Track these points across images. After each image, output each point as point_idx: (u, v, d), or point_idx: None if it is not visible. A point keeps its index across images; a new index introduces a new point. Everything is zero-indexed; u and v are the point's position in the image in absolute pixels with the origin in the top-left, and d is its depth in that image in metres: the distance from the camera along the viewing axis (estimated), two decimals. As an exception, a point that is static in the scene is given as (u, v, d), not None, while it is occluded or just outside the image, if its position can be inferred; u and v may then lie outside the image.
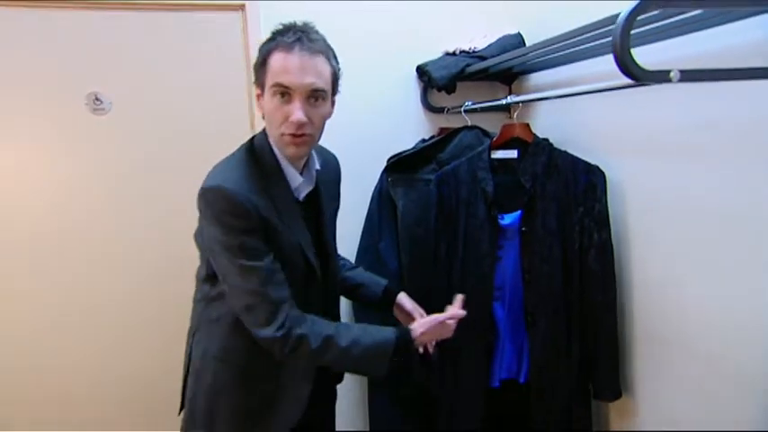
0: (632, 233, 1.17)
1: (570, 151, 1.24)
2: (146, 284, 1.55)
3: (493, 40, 1.48)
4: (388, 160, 1.48)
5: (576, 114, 1.35)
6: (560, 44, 1.05)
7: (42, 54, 1.40)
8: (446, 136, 1.49)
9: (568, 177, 1.18)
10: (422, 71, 1.55)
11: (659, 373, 1.12)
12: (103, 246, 1.52)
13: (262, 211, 0.93)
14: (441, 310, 1.07)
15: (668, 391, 1.10)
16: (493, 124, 1.51)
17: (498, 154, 1.27)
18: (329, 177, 1.13)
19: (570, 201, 1.18)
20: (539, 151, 1.22)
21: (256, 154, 1.01)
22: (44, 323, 1.51)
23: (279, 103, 0.93)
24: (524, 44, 1.50)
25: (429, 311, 1.16)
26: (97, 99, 1.45)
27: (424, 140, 1.58)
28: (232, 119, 1.55)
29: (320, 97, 0.95)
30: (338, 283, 1.17)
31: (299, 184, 1.01)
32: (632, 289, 1.19)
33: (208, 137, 1.49)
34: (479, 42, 1.48)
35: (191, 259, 1.06)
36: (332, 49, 0.99)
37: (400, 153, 1.48)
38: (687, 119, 1.01)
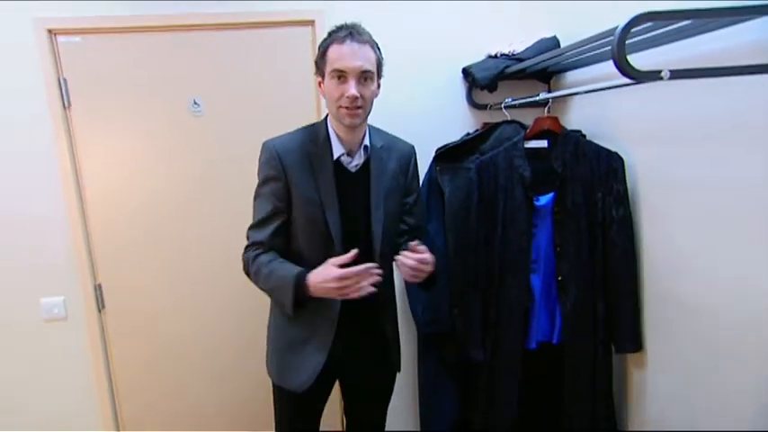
0: (646, 209, 1.34)
1: (595, 140, 1.40)
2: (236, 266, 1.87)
3: (530, 43, 1.65)
4: (437, 151, 1.69)
5: (601, 108, 1.51)
6: (585, 47, 1.22)
7: (156, 67, 1.73)
8: (488, 129, 1.69)
9: (593, 163, 1.35)
10: (467, 72, 1.75)
11: (670, 329, 1.28)
12: (200, 229, 1.84)
13: (288, 162, 1.21)
14: (483, 284, 1.27)
15: (678, 345, 1.25)
16: (531, 119, 1.69)
17: (531, 144, 1.46)
18: (391, 159, 1.32)
19: (594, 183, 1.35)
20: (567, 141, 1.40)
21: (313, 128, 1.29)
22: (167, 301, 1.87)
23: (337, 84, 1.18)
24: (559, 46, 1.67)
25: (473, 285, 1.37)
26: (196, 103, 1.77)
27: (468, 134, 1.78)
28: (302, 124, 1.83)
29: (369, 78, 1.19)
30: (386, 252, 1.30)
31: (342, 154, 1.24)
32: (648, 257, 1.35)
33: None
34: (518, 46, 1.66)
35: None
36: (376, 42, 1.23)
37: (447, 145, 1.69)
38: (692, 110, 1.16)
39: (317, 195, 1.22)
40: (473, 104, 1.83)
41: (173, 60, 1.74)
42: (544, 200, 1.42)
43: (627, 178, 1.34)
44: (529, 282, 1.44)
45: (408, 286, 1.78)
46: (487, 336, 1.49)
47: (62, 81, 1.68)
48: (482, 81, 1.65)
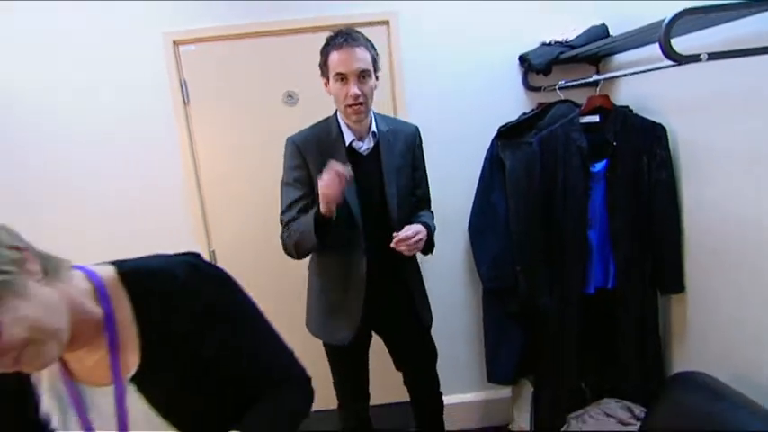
0: (686, 171, 1.56)
1: (641, 114, 1.63)
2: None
3: (581, 31, 1.88)
4: (499, 129, 1.95)
5: (646, 85, 1.73)
6: (634, 36, 1.45)
7: (256, 66, 2.05)
8: (543, 109, 1.92)
9: (639, 133, 1.59)
10: (523, 59, 1.99)
11: (707, 274, 1.51)
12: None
13: (308, 152, 1.47)
14: (546, 242, 1.53)
15: (714, 288, 1.48)
16: (582, 98, 1.91)
17: (585, 119, 1.70)
18: (398, 140, 1.55)
19: (641, 150, 1.58)
20: (616, 115, 1.64)
21: (327, 122, 1.53)
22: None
23: (340, 86, 1.39)
24: (608, 32, 1.88)
25: (536, 243, 1.64)
26: (289, 96, 2.09)
27: (524, 114, 2.02)
28: (380, 111, 2.10)
29: (367, 75, 1.39)
30: (403, 219, 1.51)
31: (353, 140, 1.48)
32: (688, 213, 1.58)
33: None
34: (570, 34, 1.89)
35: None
36: (370, 41, 1.43)
37: (507, 123, 1.94)
38: (724, 86, 1.37)
39: None
40: (528, 87, 2.07)
41: (269, 60, 2.06)
42: (599, 166, 1.67)
43: (669, 145, 1.57)
44: (586, 237, 1.69)
45: (474, 248, 2.06)
46: (552, 285, 1.75)
47: (183, 82, 2.03)
48: (538, 66, 1.90)
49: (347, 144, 1.48)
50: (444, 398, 2.25)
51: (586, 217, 1.68)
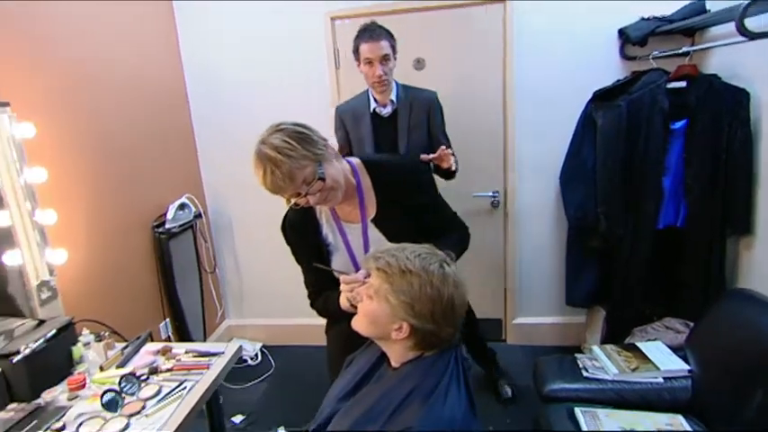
0: (766, 132, 1.84)
1: (729, 81, 1.92)
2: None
3: (678, 7, 2.16)
4: (594, 92, 2.30)
5: (734, 55, 2.00)
6: (721, 14, 1.75)
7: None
8: (636, 76, 2.24)
9: (722, 97, 1.89)
10: (622, 32, 2.31)
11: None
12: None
13: (345, 117, 2.10)
14: (624, 189, 1.93)
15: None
16: (674, 66, 2.17)
17: (672, 84, 2.02)
18: (416, 105, 2.05)
19: (723, 112, 1.89)
20: (702, 81, 1.94)
21: (364, 94, 2.10)
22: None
23: (368, 68, 1.95)
24: (705, 8, 2.14)
25: (617, 188, 2.04)
26: (418, 61, 2.58)
27: (618, 80, 2.34)
28: (492, 87, 2.53)
29: (387, 59, 1.93)
30: None
31: (375, 107, 2.04)
32: (764, 167, 1.86)
33: (472, 99, 2.55)
34: (667, 10, 2.18)
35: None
36: (389, 33, 1.96)
37: (603, 88, 2.29)
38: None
39: (362, 135, 2.05)
40: (624, 57, 2.38)
41: (402, 32, 2.54)
42: (678, 125, 2.00)
43: (751, 108, 1.86)
44: (661, 182, 2.05)
45: (563, 194, 2.46)
46: (628, 219, 2.14)
47: (336, 51, 2.60)
48: (635, 39, 2.21)
49: (371, 110, 2.07)
50: (528, 319, 2.76)
51: (662, 166, 2.03)
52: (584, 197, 2.36)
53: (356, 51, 2.00)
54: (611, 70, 2.41)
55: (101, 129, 2.08)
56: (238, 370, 2.76)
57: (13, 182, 1.60)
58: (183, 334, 2.54)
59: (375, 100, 2.08)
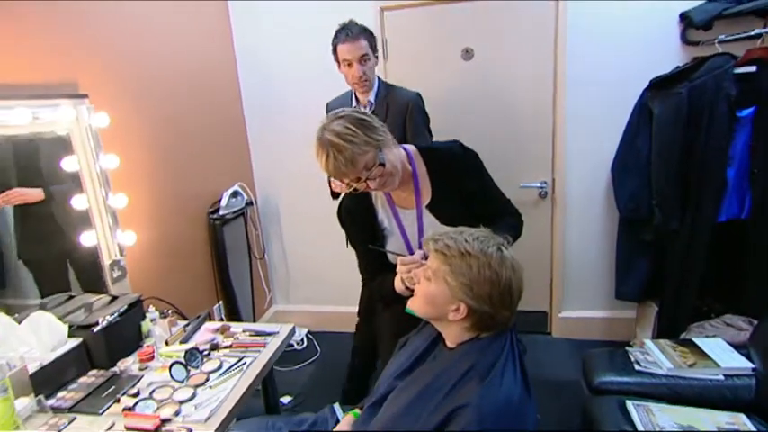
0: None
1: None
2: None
3: (747, -12, 2.04)
4: (651, 80, 2.22)
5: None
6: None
7: (438, 26, 2.55)
8: (699, 61, 2.14)
9: (795, 81, 1.78)
10: (684, 16, 2.21)
11: None
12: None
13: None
14: (681, 181, 1.84)
15: None
16: (742, 51, 2.01)
17: (740, 69, 1.91)
18: (393, 105, 1.96)
19: (794, 96, 1.78)
20: (774, 65, 1.84)
21: (348, 92, 2.07)
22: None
23: (347, 69, 1.89)
24: (777, -13, 2.01)
25: (672, 178, 1.96)
26: (466, 51, 2.57)
27: (678, 67, 2.24)
28: (542, 76, 2.49)
29: (366, 58, 1.86)
30: None
31: (356, 106, 1.97)
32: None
33: (521, 88, 2.51)
34: (735, -9, 2.06)
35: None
36: (367, 30, 1.88)
37: (660, 75, 2.20)
38: None
39: None
40: (686, 42, 2.28)
41: (451, 22, 2.54)
42: (746, 112, 1.90)
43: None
44: (725, 173, 1.96)
45: (615, 184, 2.39)
46: (685, 211, 2.06)
47: (384, 41, 2.62)
48: (699, 23, 2.11)
49: (355, 106, 2.02)
50: (575, 312, 2.71)
51: (727, 156, 1.94)
52: (637, 188, 2.29)
53: (334, 52, 1.94)
54: (669, 56, 2.31)
55: (164, 119, 2.21)
56: (285, 354, 2.83)
57: (90, 168, 1.73)
58: (234, 317, 2.66)
59: (357, 100, 2.07)
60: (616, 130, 2.37)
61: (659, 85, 2.21)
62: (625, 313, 2.62)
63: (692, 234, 2.07)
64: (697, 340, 1.75)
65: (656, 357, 1.69)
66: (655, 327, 2.37)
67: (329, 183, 2.01)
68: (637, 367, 1.67)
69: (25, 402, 1.25)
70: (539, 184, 2.62)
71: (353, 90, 2.05)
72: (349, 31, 1.87)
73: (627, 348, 1.79)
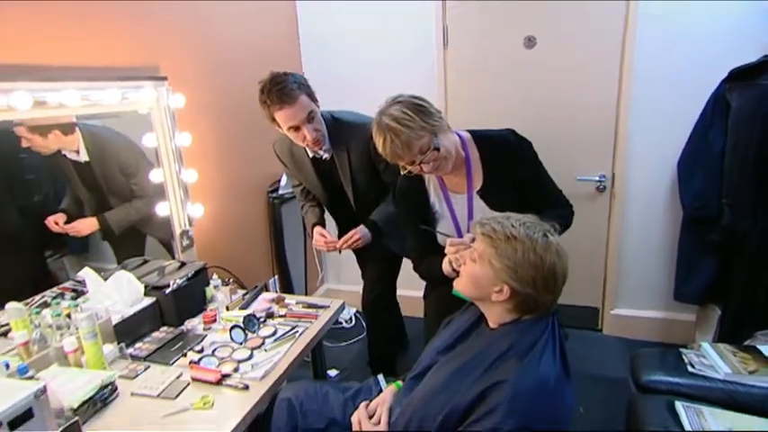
0: None
1: None
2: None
3: None
4: (731, 71, 2.07)
5: None
6: None
7: (501, 15, 2.52)
8: (789, 51, 1.98)
9: None
10: (773, 3, 2.04)
11: None
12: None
13: (285, 160, 1.93)
14: (757, 179, 1.75)
15: None
16: None
17: (833, 60, 1.75)
18: (352, 145, 1.76)
19: None
20: None
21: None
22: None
23: (295, 134, 1.65)
24: None
25: (747, 174, 1.83)
26: (529, 39, 2.52)
27: (765, 56, 2.08)
28: (607, 65, 2.39)
29: (313, 114, 1.62)
30: (362, 213, 1.89)
31: (314, 155, 1.82)
32: None
33: (583, 78, 2.43)
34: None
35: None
36: (297, 81, 1.59)
37: (742, 65, 2.05)
38: None
39: (307, 178, 1.90)
40: (773, 31, 2.11)
41: (514, 9, 2.49)
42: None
43: None
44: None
45: (681, 179, 2.27)
46: (758, 212, 1.93)
47: (445, 27, 2.62)
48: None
49: (311, 156, 1.85)
50: (628, 311, 2.63)
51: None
52: (705, 185, 2.17)
53: (273, 121, 1.65)
54: (754, 46, 2.14)
55: (232, 100, 2.35)
56: (334, 330, 2.99)
57: (167, 145, 1.89)
58: (288, 291, 2.81)
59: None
60: (684, 125, 2.25)
61: (739, 76, 2.06)
62: (682, 315, 2.50)
63: (765, 235, 1.94)
64: (762, 347, 1.66)
65: (712, 361, 1.62)
66: (716, 331, 2.26)
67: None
68: (690, 369, 1.62)
69: (110, 348, 1.43)
70: (597, 178, 2.54)
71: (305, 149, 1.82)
72: (281, 94, 1.55)
73: (681, 350, 1.73)
